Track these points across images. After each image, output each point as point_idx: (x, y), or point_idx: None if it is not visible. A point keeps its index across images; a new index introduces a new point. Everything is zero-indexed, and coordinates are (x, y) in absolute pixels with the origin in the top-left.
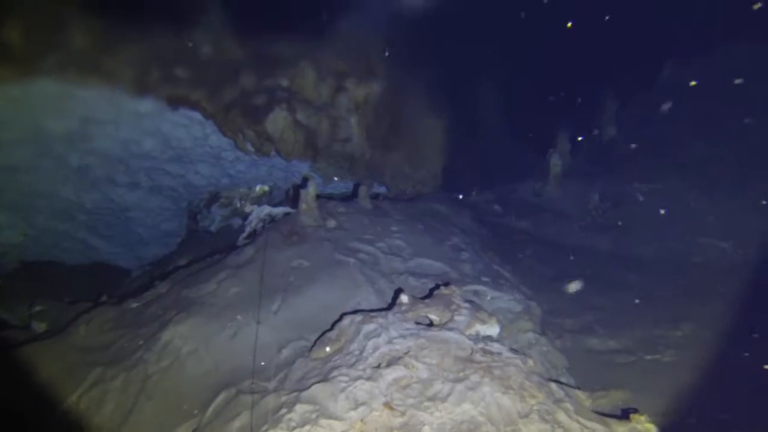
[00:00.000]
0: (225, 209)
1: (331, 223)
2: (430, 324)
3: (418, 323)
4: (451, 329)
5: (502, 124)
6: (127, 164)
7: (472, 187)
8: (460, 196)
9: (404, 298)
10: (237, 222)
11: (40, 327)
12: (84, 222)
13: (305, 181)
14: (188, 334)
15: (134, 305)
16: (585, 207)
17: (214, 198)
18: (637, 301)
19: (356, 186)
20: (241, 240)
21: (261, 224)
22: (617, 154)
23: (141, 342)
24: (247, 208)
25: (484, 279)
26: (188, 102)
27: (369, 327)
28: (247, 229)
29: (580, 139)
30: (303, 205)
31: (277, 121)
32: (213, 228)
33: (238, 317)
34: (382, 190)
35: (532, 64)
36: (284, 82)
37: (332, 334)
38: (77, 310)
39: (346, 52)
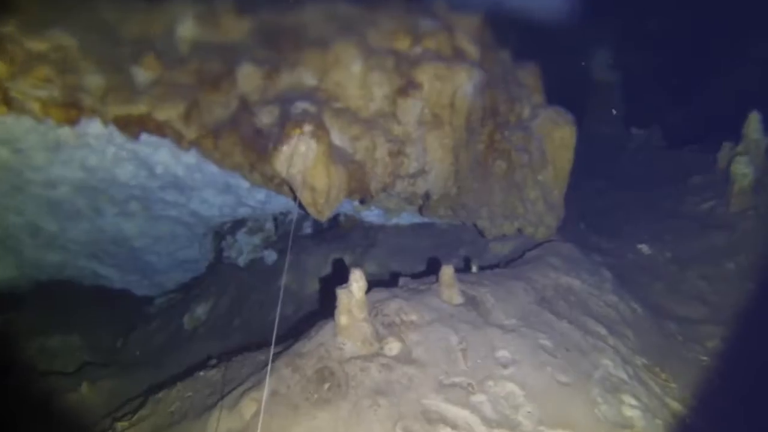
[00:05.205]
0: (254, 236)
1: (392, 346)
2: None
3: None
4: None
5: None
6: (108, 194)
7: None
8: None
9: None
10: (269, 255)
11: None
12: (80, 252)
13: (343, 272)
14: None
15: None
16: None
17: (241, 223)
18: None
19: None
20: None
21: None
22: None
23: None
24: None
25: None
26: (152, 124)
27: None
28: None
29: None
30: (341, 319)
31: (298, 156)
32: (241, 261)
33: None
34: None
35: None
36: (310, 80)
37: None
38: None
39: (415, 20)
